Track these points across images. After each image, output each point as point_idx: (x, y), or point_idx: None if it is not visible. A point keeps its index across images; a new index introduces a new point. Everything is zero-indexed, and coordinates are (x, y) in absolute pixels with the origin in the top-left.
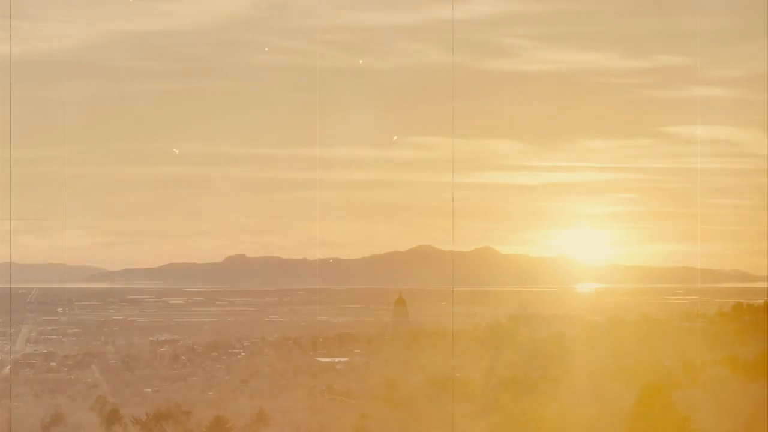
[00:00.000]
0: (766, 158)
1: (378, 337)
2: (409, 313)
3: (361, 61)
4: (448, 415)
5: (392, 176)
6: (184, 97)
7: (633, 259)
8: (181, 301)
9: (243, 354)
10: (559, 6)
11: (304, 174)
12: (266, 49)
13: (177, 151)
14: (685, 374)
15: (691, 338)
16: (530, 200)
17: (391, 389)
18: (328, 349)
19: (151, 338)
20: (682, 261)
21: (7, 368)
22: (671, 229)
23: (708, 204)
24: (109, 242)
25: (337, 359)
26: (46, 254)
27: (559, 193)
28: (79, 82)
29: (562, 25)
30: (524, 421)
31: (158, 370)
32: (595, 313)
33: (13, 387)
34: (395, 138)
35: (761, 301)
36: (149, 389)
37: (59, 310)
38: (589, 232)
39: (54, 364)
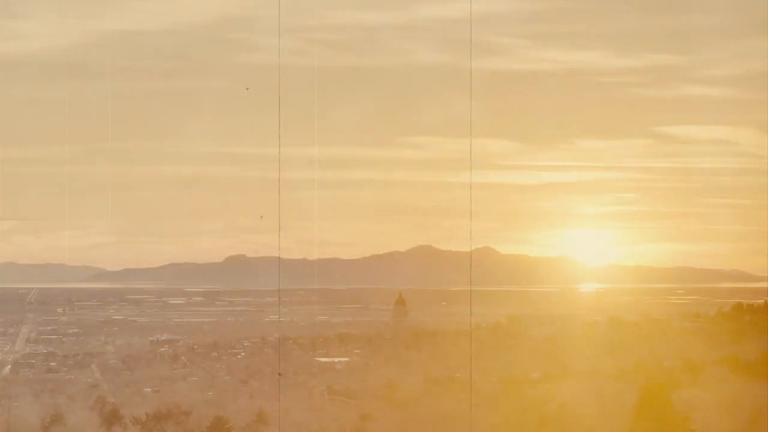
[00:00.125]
0: (763, 158)
1: (378, 337)
2: (409, 313)
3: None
4: (448, 415)
5: (392, 176)
6: (179, 97)
7: (633, 259)
8: (181, 301)
9: (243, 354)
10: (553, 4)
11: (304, 174)
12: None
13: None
14: (685, 374)
15: (691, 338)
16: (527, 200)
17: (391, 389)
18: (328, 349)
19: (151, 338)
20: (682, 261)
21: (7, 368)
22: (670, 229)
23: (707, 204)
24: (109, 242)
25: (337, 359)
26: (46, 254)
27: (556, 193)
28: (69, 81)
29: (555, 24)
30: (524, 421)
31: (158, 370)
32: (595, 313)
33: (13, 387)
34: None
35: (761, 301)
36: (149, 389)
37: (59, 310)
38: (588, 232)
39: (54, 364)
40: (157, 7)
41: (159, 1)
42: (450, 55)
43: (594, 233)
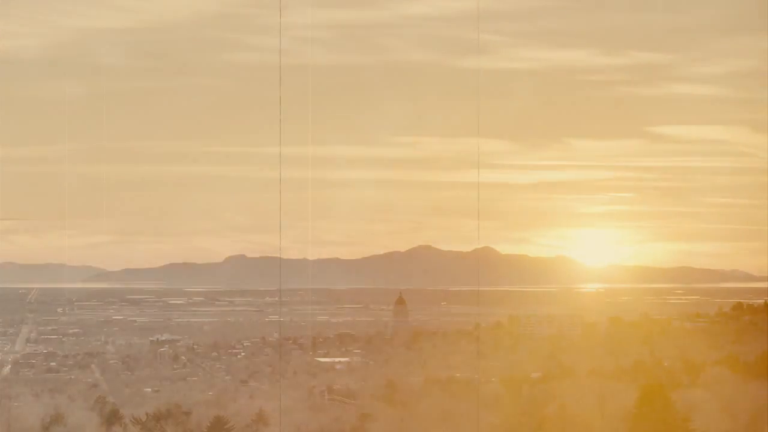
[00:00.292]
0: (757, 157)
1: (378, 337)
2: (409, 313)
3: None
4: (448, 415)
5: (392, 175)
6: (172, 96)
7: (633, 259)
8: (181, 301)
9: (243, 354)
10: (544, 3)
11: (303, 174)
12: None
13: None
14: (685, 374)
15: (691, 338)
16: (523, 199)
17: (391, 389)
18: (328, 349)
19: (151, 338)
20: (682, 261)
21: (7, 368)
22: (668, 229)
23: (703, 203)
24: (109, 242)
25: (337, 359)
26: (46, 254)
27: (552, 193)
28: (57, 80)
29: (538, 21)
30: (524, 421)
31: (158, 370)
32: (595, 313)
33: (13, 387)
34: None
35: (761, 301)
36: (149, 389)
37: (59, 310)
38: (587, 232)
39: (54, 364)
40: (145, 5)
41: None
42: (436, 54)
43: (593, 233)
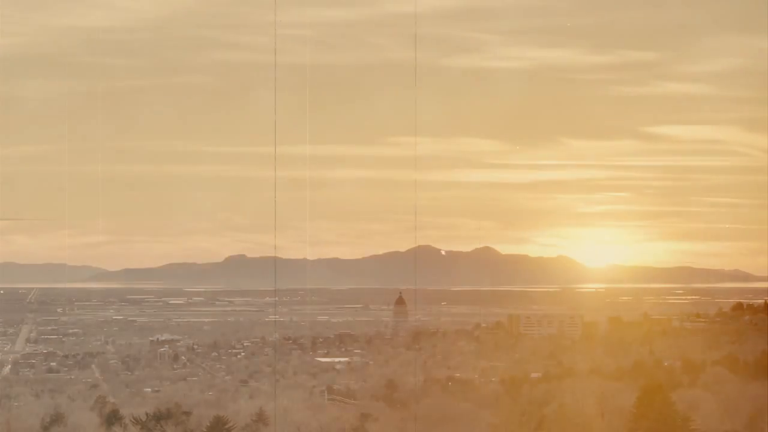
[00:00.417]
0: (752, 156)
1: (378, 337)
2: (409, 313)
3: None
4: (448, 415)
5: (391, 175)
6: (171, 95)
7: (633, 259)
8: (181, 301)
9: (243, 354)
10: (533, 1)
11: (302, 173)
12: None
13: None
14: (685, 374)
15: (691, 338)
16: (519, 199)
17: (391, 389)
18: (328, 349)
19: (151, 338)
20: (682, 261)
21: (7, 368)
22: (667, 229)
23: (700, 203)
24: (109, 242)
25: (337, 359)
26: (46, 254)
27: (548, 192)
28: (43, 80)
29: (524, 19)
30: (524, 421)
31: (158, 370)
32: (595, 313)
33: (13, 387)
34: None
35: (761, 301)
36: (149, 389)
37: (59, 310)
38: (586, 232)
39: (54, 364)
40: (141, 4)
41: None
42: (424, 53)
43: (592, 233)
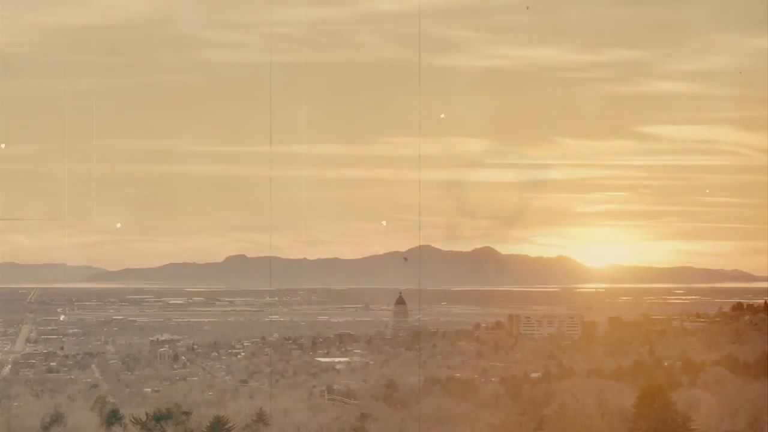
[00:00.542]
0: (747, 156)
1: (378, 337)
2: (409, 313)
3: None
4: (448, 415)
5: (391, 175)
6: (169, 95)
7: (633, 259)
8: (181, 301)
9: (243, 354)
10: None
11: (301, 173)
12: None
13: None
14: (685, 374)
15: (691, 338)
16: (517, 199)
17: (391, 389)
18: (328, 349)
19: (151, 338)
20: (682, 261)
21: (7, 368)
22: (666, 228)
23: (703, 203)
24: (109, 242)
25: (337, 359)
26: (46, 254)
27: (546, 192)
28: (43, 80)
29: (510, 18)
30: (524, 421)
31: (158, 370)
32: (595, 313)
33: (13, 387)
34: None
35: (761, 301)
36: (149, 389)
37: (59, 310)
38: (588, 232)
39: (54, 364)
40: (138, 4)
41: None
42: (412, 52)
43: (593, 233)
